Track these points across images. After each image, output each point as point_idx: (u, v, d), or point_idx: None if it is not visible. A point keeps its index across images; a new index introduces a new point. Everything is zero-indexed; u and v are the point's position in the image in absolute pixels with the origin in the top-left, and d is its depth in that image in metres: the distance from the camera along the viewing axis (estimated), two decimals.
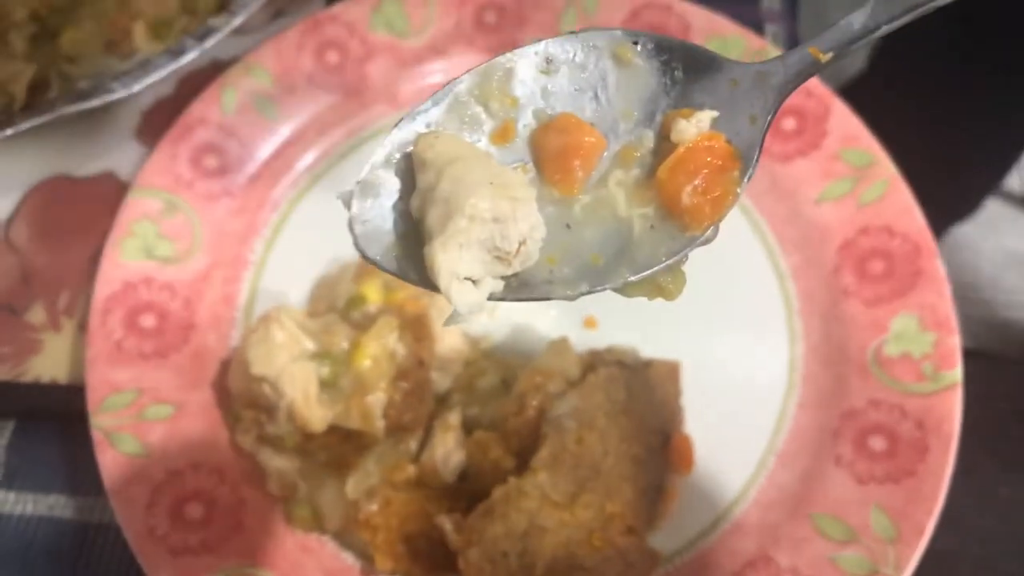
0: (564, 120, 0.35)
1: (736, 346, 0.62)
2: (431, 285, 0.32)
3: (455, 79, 0.36)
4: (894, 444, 0.57)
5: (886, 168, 0.64)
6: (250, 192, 0.67)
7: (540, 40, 0.36)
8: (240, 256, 0.66)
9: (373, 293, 0.62)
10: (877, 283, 0.62)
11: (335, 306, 0.62)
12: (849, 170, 0.64)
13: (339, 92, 0.70)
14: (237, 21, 0.65)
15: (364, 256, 0.34)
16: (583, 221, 0.34)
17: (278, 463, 0.58)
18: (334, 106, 0.70)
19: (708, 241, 0.35)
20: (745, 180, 0.34)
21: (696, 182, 0.34)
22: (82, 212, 0.69)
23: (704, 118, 0.34)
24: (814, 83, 0.67)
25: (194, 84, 0.71)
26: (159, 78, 0.63)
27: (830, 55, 0.33)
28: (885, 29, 0.34)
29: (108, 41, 0.72)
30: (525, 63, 0.36)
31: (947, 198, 0.62)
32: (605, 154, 0.35)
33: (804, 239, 0.64)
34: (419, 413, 0.57)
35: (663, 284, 0.36)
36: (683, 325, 0.63)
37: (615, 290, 0.35)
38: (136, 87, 0.63)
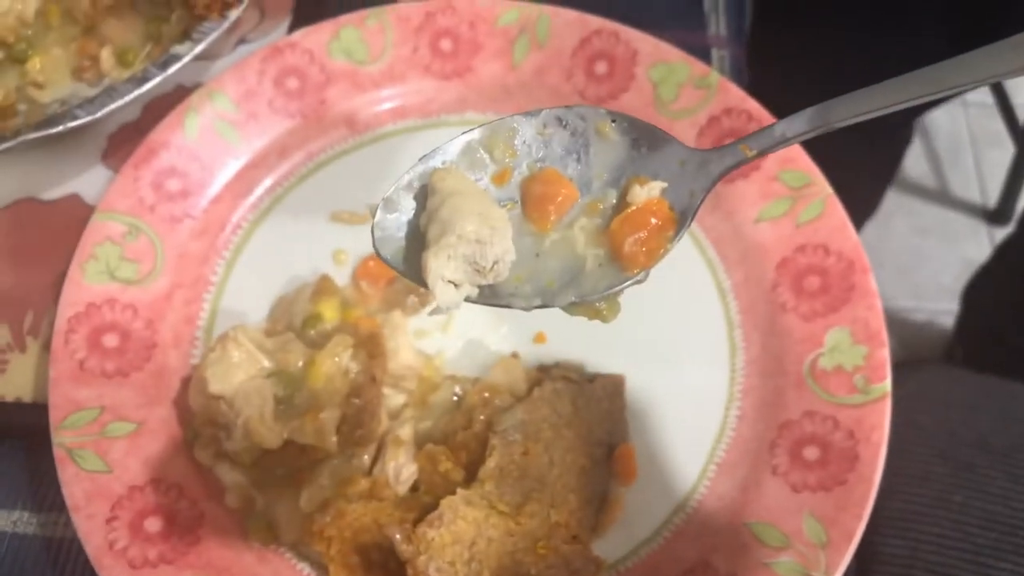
0: (549, 173, 0.44)
1: (679, 360, 0.65)
2: (423, 282, 0.41)
3: (471, 129, 0.45)
4: (827, 454, 0.59)
5: (822, 188, 0.67)
6: (211, 214, 0.69)
7: (543, 109, 0.45)
8: (201, 277, 0.68)
9: (329, 312, 0.64)
10: (813, 299, 0.64)
11: (293, 324, 0.64)
12: (787, 191, 0.67)
13: (299, 117, 0.73)
14: (199, 49, 0.68)
15: (379, 255, 0.43)
16: (549, 252, 0.43)
17: (235, 478, 0.60)
18: (294, 130, 0.73)
19: (639, 282, 0.43)
20: (677, 239, 0.42)
21: (639, 235, 0.42)
22: (48, 235, 0.71)
23: (655, 187, 0.43)
24: (755, 107, 0.69)
25: (159, 109, 0.73)
26: (122, 104, 0.65)
27: (755, 152, 0.42)
28: (797, 140, 0.43)
29: (75, 67, 0.74)
30: (528, 124, 0.45)
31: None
32: (577, 204, 0.44)
33: (744, 257, 0.67)
34: (371, 428, 0.59)
35: (599, 309, 0.45)
36: (629, 340, 0.65)
37: (562, 308, 0.43)
38: (100, 113, 0.65)
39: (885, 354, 0.62)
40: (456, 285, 0.41)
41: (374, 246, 0.43)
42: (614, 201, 0.43)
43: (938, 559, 0.90)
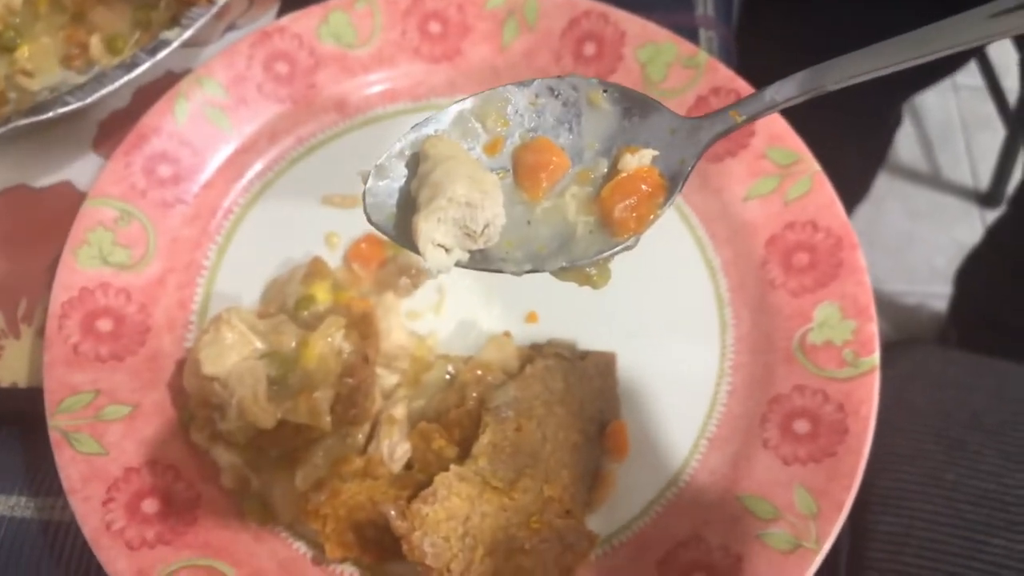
0: (540, 142, 0.45)
1: (670, 337, 0.65)
2: (414, 247, 0.41)
3: (463, 98, 0.45)
4: (816, 427, 0.60)
5: (809, 165, 0.67)
6: (203, 199, 0.70)
7: (535, 79, 0.45)
8: (194, 261, 0.68)
9: (321, 293, 0.64)
10: (802, 275, 0.65)
11: (285, 307, 0.64)
12: (775, 168, 0.68)
13: (289, 101, 0.73)
14: (188, 34, 0.68)
15: (370, 221, 0.43)
16: (540, 220, 0.43)
17: (231, 459, 0.61)
18: (284, 115, 0.73)
19: (629, 248, 0.44)
20: (667, 204, 0.43)
21: (628, 201, 0.42)
22: (40, 221, 0.71)
23: (646, 155, 0.43)
24: (743, 87, 0.70)
25: (149, 95, 0.73)
26: (111, 90, 0.65)
27: (744, 118, 0.43)
28: (787, 104, 0.43)
29: (65, 55, 0.74)
30: (520, 94, 0.45)
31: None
32: (568, 173, 0.44)
33: (733, 234, 0.68)
34: (365, 408, 0.60)
35: (589, 274, 0.44)
36: (620, 318, 0.66)
37: (553, 274, 0.43)
38: (90, 99, 0.65)
39: (873, 328, 0.62)
40: (447, 249, 0.41)
41: (365, 212, 0.43)
42: (605, 170, 0.44)
43: (930, 535, 0.91)
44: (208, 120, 0.71)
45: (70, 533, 0.63)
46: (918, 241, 1.97)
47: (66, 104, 0.64)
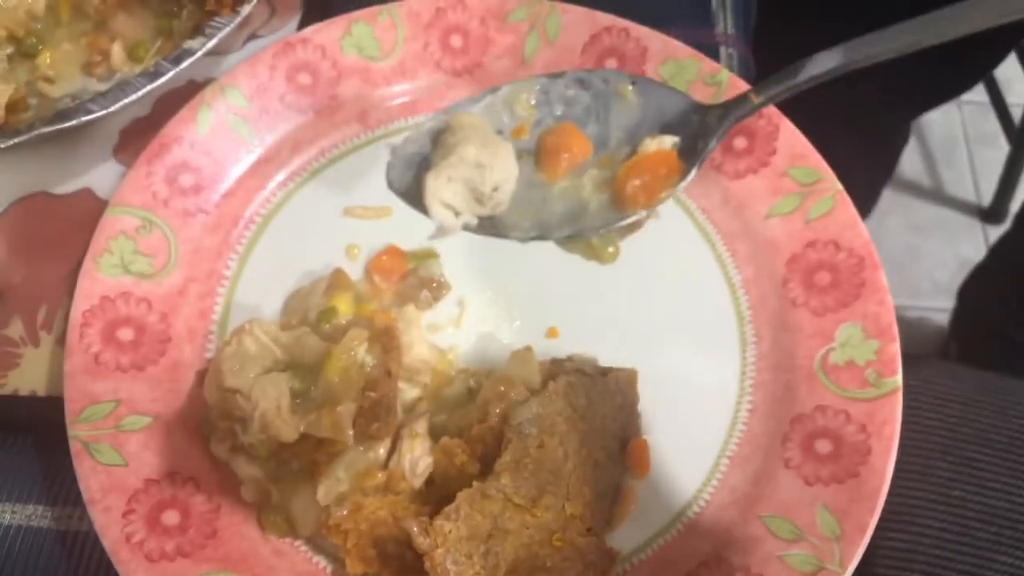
0: (566, 127, 0.47)
1: (690, 355, 0.65)
2: (424, 209, 0.42)
3: (496, 87, 0.47)
4: (839, 447, 0.60)
5: (832, 184, 0.67)
6: (224, 209, 0.70)
7: (567, 71, 0.47)
8: (215, 271, 0.68)
9: (344, 306, 0.64)
10: (823, 294, 0.65)
11: (307, 319, 0.64)
12: (796, 187, 0.68)
13: (311, 112, 0.73)
14: (211, 44, 0.68)
15: (389, 185, 0.45)
16: (556, 198, 0.45)
17: (252, 471, 0.61)
18: (306, 126, 0.73)
19: (638, 222, 0.46)
20: (682, 184, 0.44)
21: (642, 179, 0.44)
22: (60, 229, 0.71)
23: (666, 140, 0.45)
24: None
25: (170, 104, 0.73)
26: (135, 99, 0.65)
27: (763, 99, 0.45)
28: (801, 87, 0.45)
29: (86, 62, 0.74)
30: (553, 84, 0.47)
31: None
32: (590, 157, 0.46)
33: (755, 252, 0.68)
34: (387, 422, 0.60)
35: (596, 247, 0.47)
36: (641, 335, 0.66)
37: (558, 244, 0.45)
38: (113, 107, 0.65)
39: (896, 349, 0.62)
40: (457, 213, 0.41)
41: (387, 179, 0.46)
42: (625, 155, 0.46)
43: (938, 552, 0.91)
44: (230, 129, 0.71)
45: (87, 543, 0.63)
46: (921, 256, 1.98)
47: (89, 112, 0.64)
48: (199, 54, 0.67)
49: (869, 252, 0.65)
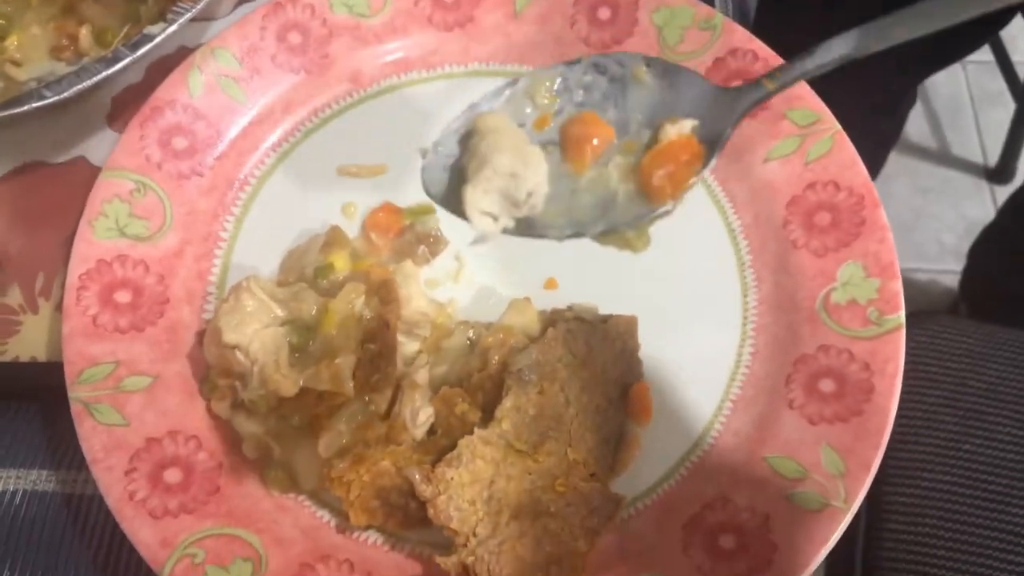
0: (588, 116, 0.47)
1: (691, 300, 0.65)
2: (463, 214, 0.44)
3: (515, 79, 0.47)
4: (842, 386, 0.60)
5: (830, 124, 0.66)
6: (219, 171, 0.69)
7: (582, 58, 0.48)
8: (211, 233, 0.68)
9: (340, 262, 0.64)
10: (824, 235, 0.64)
11: (304, 275, 0.64)
12: (795, 129, 0.67)
13: (303, 72, 0.72)
14: (171, 30, 0.65)
15: (428, 194, 0.46)
16: (585, 189, 0.46)
17: (253, 428, 0.60)
18: (298, 86, 0.72)
19: (667, 213, 0.46)
20: (704, 170, 0.45)
21: (666, 169, 0.45)
22: (56, 197, 0.71)
23: (686, 125, 0.45)
24: (760, 47, 0.69)
25: (162, 70, 0.73)
26: (90, 84, 0.63)
27: (776, 85, 0.46)
28: (816, 72, 0.46)
29: (54, 46, 0.74)
30: (571, 72, 0.47)
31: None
32: (613, 144, 0.46)
33: (754, 197, 0.67)
34: (387, 373, 0.59)
35: (629, 239, 0.49)
36: (639, 283, 0.65)
37: (593, 239, 0.46)
38: (66, 93, 0.62)
39: (898, 286, 0.62)
40: (494, 218, 0.43)
41: (424, 186, 0.47)
42: (646, 140, 0.46)
43: (949, 506, 0.91)
44: (222, 91, 0.71)
45: (92, 506, 0.63)
46: (927, 218, 1.96)
47: (43, 98, 0.62)
48: (159, 39, 0.64)
49: (869, 190, 0.64)
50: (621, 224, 0.45)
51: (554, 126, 0.47)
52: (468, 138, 0.46)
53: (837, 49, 0.44)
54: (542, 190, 0.43)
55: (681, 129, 0.45)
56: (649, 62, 0.46)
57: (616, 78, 0.47)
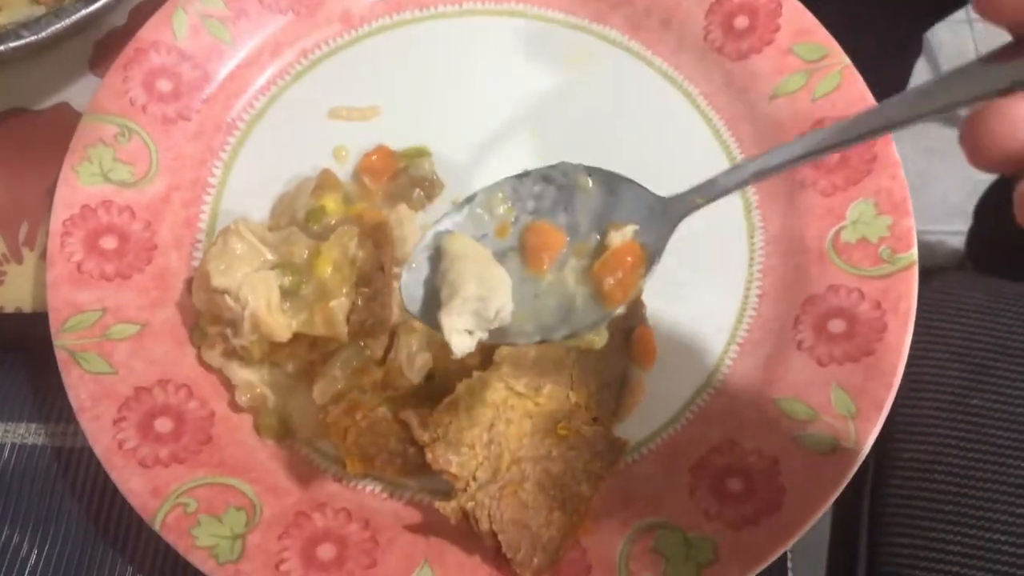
0: (540, 226, 0.50)
1: (695, 242, 0.62)
2: (438, 327, 0.47)
3: (473, 195, 0.51)
4: (853, 326, 0.58)
5: (839, 59, 0.64)
6: (206, 115, 0.67)
7: (530, 170, 0.51)
8: (199, 178, 0.66)
9: (332, 205, 0.62)
10: (833, 172, 0.62)
11: (295, 219, 0.62)
12: (802, 64, 0.64)
13: (291, 12, 0.70)
14: None
15: (408, 312, 0.49)
16: (546, 292, 0.49)
17: (245, 375, 0.59)
18: (287, 27, 0.70)
19: (620, 315, 0.49)
20: (647, 276, 0.47)
21: (616, 275, 0.47)
22: (39, 144, 0.68)
23: (628, 231, 0.48)
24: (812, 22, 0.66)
25: (146, 14, 0.70)
26: (68, 23, 0.61)
27: (704, 200, 0.47)
28: (738, 188, 0.48)
29: None
30: (521, 184, 0.51)
31: None
32: (565, 248, 0.50)
33: (760, 136, 0.65)
34: (382, 317, 0.57)
35: (589, 339, 0.52)
36: None
37: (556, 341, 0.48)
38: (43, 33, 0.60)
39: (910, 223, 0.60)
40: (470, 332, 0.47)
41: (403, 305, 0.50)
42: (595, 244, 0.49)
43: (958, 461, 0.89)
44: (208, 33, 0.68)
45: (83, 458, 0.61)
46: (933, 179, 1.93)
47: (20, 37, 0.60)
48: None
49: None
50: (583, 329, 0.48)
51: (514, 232, 0.50)
52: (438, 258, 0.50)
53: (765, 160, 0.46)
54: (508, 308, 0.48)
55: (624, 236, 0.48)
56: (590, 172, 0.50)
57: (563, 186, 0.50)
